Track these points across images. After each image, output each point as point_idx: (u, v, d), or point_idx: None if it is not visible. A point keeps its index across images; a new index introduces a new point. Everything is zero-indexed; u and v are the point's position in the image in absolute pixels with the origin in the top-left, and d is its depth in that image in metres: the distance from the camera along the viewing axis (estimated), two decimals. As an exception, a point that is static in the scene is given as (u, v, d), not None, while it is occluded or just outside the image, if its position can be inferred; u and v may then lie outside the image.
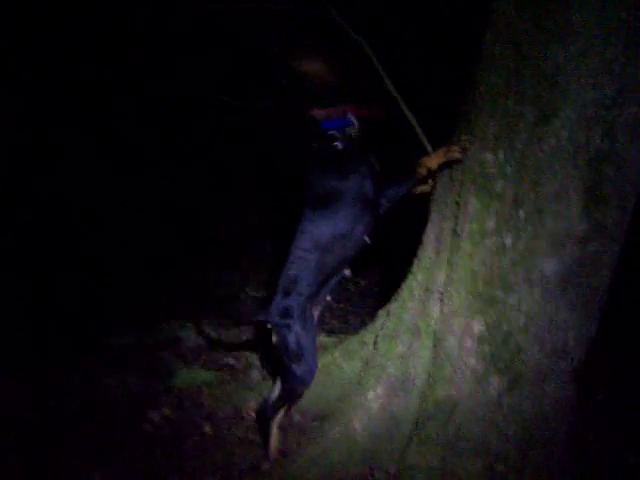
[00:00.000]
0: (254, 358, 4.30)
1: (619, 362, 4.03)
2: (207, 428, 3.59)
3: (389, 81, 3.24)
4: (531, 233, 2.59)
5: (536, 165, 2.53)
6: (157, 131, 7.43)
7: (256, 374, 4.09)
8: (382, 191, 3.00)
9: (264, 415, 3.37)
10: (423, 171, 2.93)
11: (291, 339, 3.15)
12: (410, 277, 3.19)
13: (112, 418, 3.65)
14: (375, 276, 6.09)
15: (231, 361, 4.34)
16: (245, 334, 4.73)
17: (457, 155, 2.78)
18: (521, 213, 2.59)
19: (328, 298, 3.49)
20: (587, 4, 2.31)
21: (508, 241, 2.64)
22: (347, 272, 3.38)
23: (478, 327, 2.75)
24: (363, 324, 3.94)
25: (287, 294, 3.17)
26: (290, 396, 3.33)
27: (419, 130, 3.23)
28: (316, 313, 3.40)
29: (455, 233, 2.85)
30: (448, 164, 2.90)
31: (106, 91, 7.08)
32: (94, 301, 5.54)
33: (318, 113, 3.13)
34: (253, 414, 3.64)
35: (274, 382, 3.46)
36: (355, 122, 3.14)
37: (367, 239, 3.19)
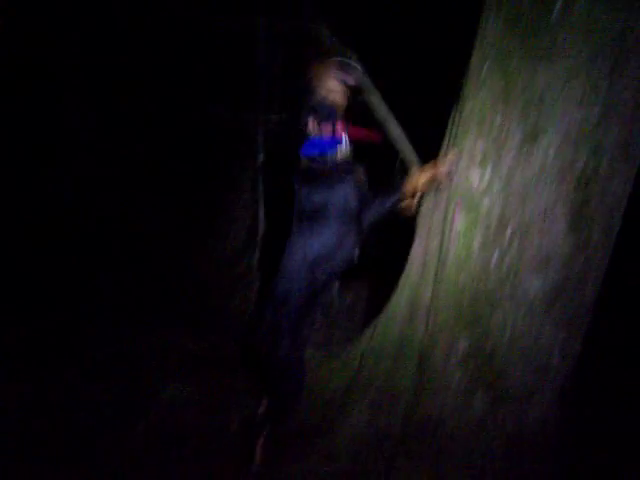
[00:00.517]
0: (240, 372, 4.29)
1: (606, 377, 4.05)
2: (192, 441, 3.57)
3: (377, 98, 3.25)
4: (517, 251, 2.61)
5: (523, 183, 2.54)
6: (154, 141, 7.46)
7: (242, 388, 4.08)
8: (366, 206, 2.99)
9: (250, 431, 3.36)
10: (409, 189, 2.93)
11: (280, 356, 3.14)
12: (396, 294, 3.20)
13: (97, 429, 3.63)
14: (362, 292, 6.10)
15: (217, 374, 4.33)
16: (232, 348, 4.73)
17: (443, 175, 2.79)
18: (507, 231, 2.61)
19: (318, 315, 3.48)
20: (574, 25, 2.34)
21: (494, 259, 2.65)
22: (336, 286, 3.38)
23: (463, 344, 2.76)
24: (349, 339, 3.94)
25: (277, 310, 3.16)
26: (278, 413, 3.32)
27: (406, 149, 3.24)
28: (306, 330, 3.39)
29: (441, 250, 2.85)
30: (434, 183, 2.90)
31: (100, 97, 7.13)
32: (82, 309, 5.51)
33: (314, 130, 3.13)
34: (238, 429, 3.63)
35: (261, 398, 3.45)
36: (346, 142, 3.13)
37: (356, 253, 3.19)
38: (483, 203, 2.65)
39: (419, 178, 2.92)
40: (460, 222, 2.74)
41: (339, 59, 3.14)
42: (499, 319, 2.68)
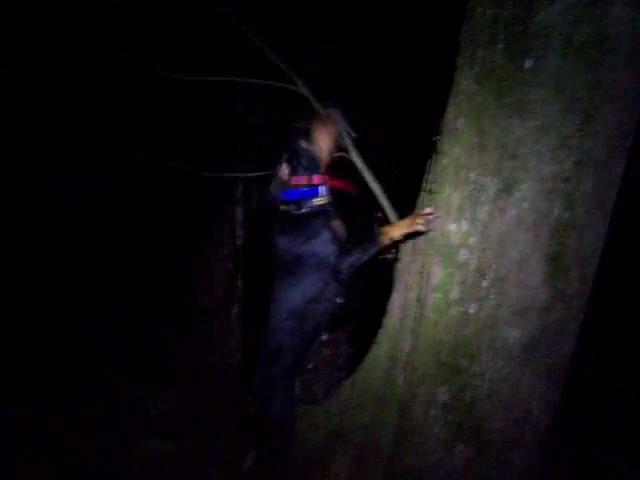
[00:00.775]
0: (222, 427, 4.26)
1: (586, 427, 4.06)
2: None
3: (355, 151, 3.28)
4: (494, 302, 2.62)
5: (499, 235, 2.57)
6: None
7: (224, 444, 4.04)
8: (344, 258, 3.00)
9: None
10: (386, 241, 2.95)
11: (273, 411, 3.12)
12: (375, 346, 3.19)
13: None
14: (340, 345, 6.09)
15: (197, 430, 4.29)
16: (214, 402, 4.70)
17: (421, 227, 2.81)
18: (484, 282, 2.62)
19: (309, 366, 3.47)
20: (545, 80, 2.40)
21: (472, 310, 2.66)
22: (324, 337, 3.37)
23: (443, 396, 2.75)
24: (328, 394, 3.92)
25: (270, 364, 3.15)
26: (267, 469, 3.28)
27: (384, 201, 3.26)
28: (297, 383, 3.37)
29: (419, 302, 2.86)
30: (412, 235, 2.93)
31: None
32: (58, 369, 5.46)
33: (292, 179, 3.14)
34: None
35: (245, 454, 3.41)
36: (323, 192, 3.15)
37: (339, 300, 3.18)
38: (460, 255, 2.68)
39: (395, 232, 2.93)
40: (437, 274, 2.76)
41: (341, 120, 3.18)
42: (478, 370, 2.68)
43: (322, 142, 3.15)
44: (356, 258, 2.99)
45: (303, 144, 3.13)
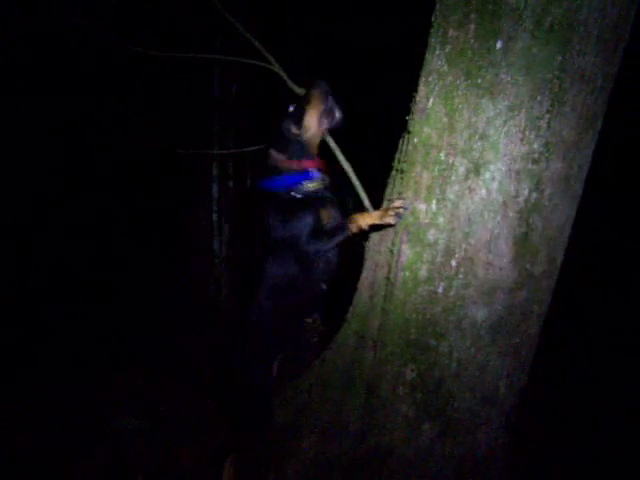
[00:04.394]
0: (193, 404, 4.27)
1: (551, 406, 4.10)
2: (141, 477, 3.53)
3: (327, 134, 3.26)
4: (462, 282, 2.64)
5: (467, 215, 2.58)
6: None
7: (194, 420, 4.05)
8: (311, 242, 2.99)
9: (214, 459, 3.34)
10: (354, 229, 2.93)
11: (251, 387, 3.15)
12: (345, 325, 3.20)
13: (44, 469, 3.57)
14: (316, 324, 6.13)
15: (168, 408, 4.30)
16: (187, 380, 4.71)
17: (390, 220, 2.78)
18: (453, 262, 2.64)
19: (290, 347, 3.49)
20: (514, 62, 2.40)
21: (440, 289, 2.67)
22: (309, 319, 3.39)
23: (410, 374, 2.77)
24: (301, 371, 3.94)
25: (248, 341, 3.17)
26: (244, 441, 3.30)
27: (357, 182, 3.26)
28: (275, 363, 3.39)
29: (389, 281, 2.87)
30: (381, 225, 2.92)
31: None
32: (29, 348, 5.43)
33: (283, 164, 3.13)
34: (189, 461, 3.60)
35: (227, 427, 3.44)
36: (316, 176, 3.13)
37: (324, 287, 3.20)
38: (429, 234, 2.69)
39: (364, 222, 2.90)
40: (407, 253, 2.77)
41: (329, 103, 3.14)
42: (445, 349, 2.70)
43: (312, 124, 3.13)
44: (323, 244, 2.98)
45: (293, 129, 3.11)
